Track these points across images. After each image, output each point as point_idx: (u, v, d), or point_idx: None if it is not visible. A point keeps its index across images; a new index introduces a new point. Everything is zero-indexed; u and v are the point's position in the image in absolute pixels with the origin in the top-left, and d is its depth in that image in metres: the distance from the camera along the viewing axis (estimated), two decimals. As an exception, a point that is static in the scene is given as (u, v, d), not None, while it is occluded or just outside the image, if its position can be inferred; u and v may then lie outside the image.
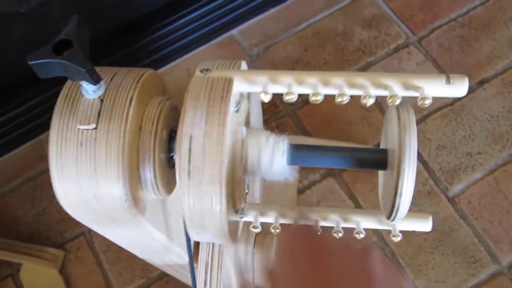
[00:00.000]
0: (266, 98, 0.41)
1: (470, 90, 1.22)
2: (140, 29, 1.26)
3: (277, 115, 1.22)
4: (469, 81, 1.17)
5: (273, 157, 0.42)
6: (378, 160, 0.42)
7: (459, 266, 1.09)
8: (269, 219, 0.45)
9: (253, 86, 0.42)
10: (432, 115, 1.20)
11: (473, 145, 1.17)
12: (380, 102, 1.21)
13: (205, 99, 0.39)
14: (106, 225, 0.46)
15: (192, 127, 0.38)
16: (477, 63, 1.25)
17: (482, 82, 1.22)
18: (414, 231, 0.47)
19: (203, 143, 0.38)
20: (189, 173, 0.38)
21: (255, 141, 0.43)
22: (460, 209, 1.12)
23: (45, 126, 1.26)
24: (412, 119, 0.40)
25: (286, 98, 0.41)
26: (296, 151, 0.43)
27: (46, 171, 1.22)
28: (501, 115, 1.19)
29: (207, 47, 1.30)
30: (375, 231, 1.12)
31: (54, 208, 1.19)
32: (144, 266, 1.13)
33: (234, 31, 1.32)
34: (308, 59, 1.28)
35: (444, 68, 1.25)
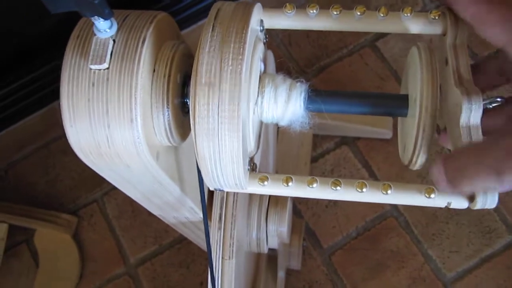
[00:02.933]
0: None
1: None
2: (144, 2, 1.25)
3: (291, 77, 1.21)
4: (488, 50, 1.14)
5: (290, 96, 0.41)
6: (399, 104, 0.41)
7: (473, 236, 1.08)
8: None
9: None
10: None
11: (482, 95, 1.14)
12: (396, 70, 1.19)
13: (224, 20, 0.38)
14: (120, 173, 0.45)
15: (209, 46, 0.37)
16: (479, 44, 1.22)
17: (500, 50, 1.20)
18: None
19: (220, 59, 0.37)
20: (205, 127, 0.37)
21: (272, 78, 0.41)
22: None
23: (57, 94, 1.25)
24: (434, 56, 0.39)
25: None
26: (314, 94, 0.41)
27: (58, 138, 1.23)
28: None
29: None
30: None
31: (67, 175, 1.19)
32: (156, 233, 1.13)
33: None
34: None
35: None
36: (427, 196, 0.39)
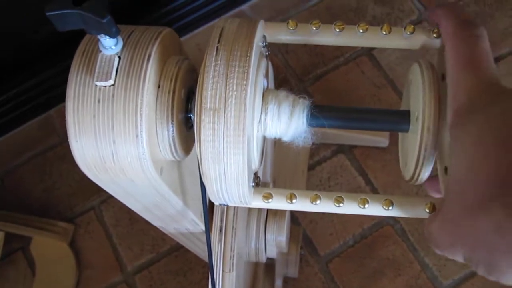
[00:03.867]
0: None
1: (484, 68, 1.20)
2: (150, 4, 1.25)
3: (293, 92, 1.21)
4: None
5: (293, 112, 0.41)
6: (401, 120, 0.42)
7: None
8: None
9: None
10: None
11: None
12: (393, 79, 1.20)
13: (227, 42, 0.39)
14: (123, 187, 0.45)
15: (214, 70, 0.38)
16: (491, 40, 1.22)
17: (496, 60, 1.21)
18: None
19: (225, 84, 0.37)
20: (210, 151, 0.38)
21: (275, 95, 0.42)
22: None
23: (54, 101, 1.26)
24: (435, 74, 0.39)
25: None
26: (316, 110, 0.42)
27: (55, 146, 1.23)
28: (515, 93, 1.17)
29: (218, 22, 1.29)
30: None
31: (64, 182, 1.19)
32: (153, 240, 1.13)
33: (244, 6, 1.30)
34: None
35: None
36: (428, 211, 0.40)
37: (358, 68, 1.22)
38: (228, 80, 0.37)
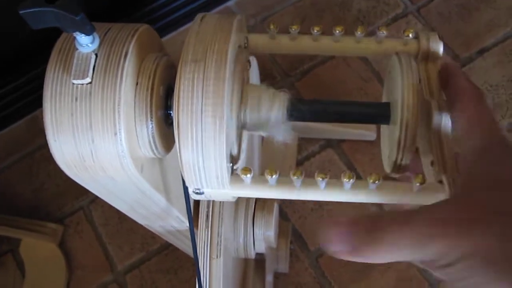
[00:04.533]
0: None
1: (470, 60, 1.21)
2: (136, 1, 1.25)
3: (275, 86, 1.21)
4: (469, 50, 1.16)
5: (273, 105, 0.41)
6: (382, 113, 0.42)
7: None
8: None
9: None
10: (431, 84, 1.19)
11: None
12: (379, 72, 1.20)
13: (207, 28, 0.39)
14: (105, 185, 0.45)
15: (193, 53, 0.38)
16: (477, 32, 1.23)
17: (481, 51, 1.21)
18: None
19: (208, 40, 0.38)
20: (188, 106, 0.37)
21: (255, 88, 0.42)
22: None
23: (40, 102, 1.24)
24: (415, 69, 0.40)
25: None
26: (297, 104, 0.42)
27: (42, 147, 1.22)
28: (500, 84, 1.18)
29: (203, 19, 1.29)
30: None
31: (52, 183, 1.18)
32: (143, 239, 1.13)
33: (230, 3, 1.30)
34: (305, 30, 1.26)
35: (443, 38, 1.23)
36: (419, 183, 0.39)
37: (345, 62, 1.22)
38: (210, 37, 0.38)
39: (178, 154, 0.39)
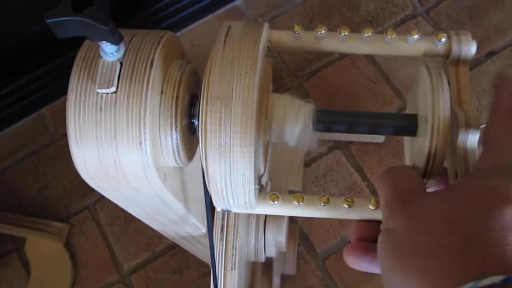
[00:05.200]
0: None
1: (479, 62, 1.20)
2: (144, 0, 1.24)
3: (283, 88, 1.20)
4: (478, 53, 1.15)
5: (298, 117, 0.40)
6: (409, 125, 0.41)
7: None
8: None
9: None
10: (440, 87, 1.18)
11: (481, 117, 1.15)
12: (388, 74, 1.19)
13: (235, 35, 0.38)
14: (125, 194, 0.44)
15: (221, 61, 0.37)
16: (485, 35, 1.23)
17: (490, 54, 1.21)
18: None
19: (233, 75, 0.37)
20: (215, 142, 0.37)
21: (280, 98, 0.41)
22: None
23: (47, 100, 1.24)
24: (445, 80, 0.39)
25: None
26: (323, 114, 0.41)
27: (48, 145, 1.21)
28: (509, 87, 1.18)
29: (211, 18, 1.28)
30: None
31: (58, 182, 1.17)
32: (149, 240, 1.12)
33: (238, 1, 1.29)
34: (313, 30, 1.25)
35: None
36: None
37: (353, 63, 1.21)
38: (236, 70, 0.37)
39: (207, 182, 0.39)
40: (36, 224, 1.12)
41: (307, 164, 1.14)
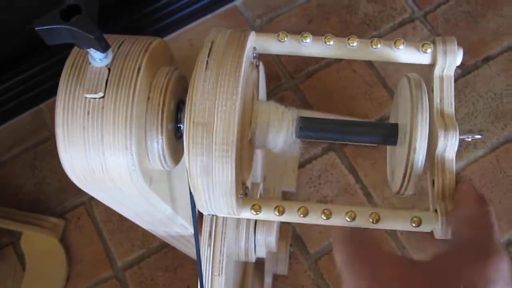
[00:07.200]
0: None
1: (475, 67, 1.21)
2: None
3: (280, 88, 1.21)
4: (474, 58, 1.16)
5: (282, 125, 0.41)
6: (389, 135, 0.42)
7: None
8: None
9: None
10: (435, 91, 1.19)
11: (475, 122, 1.16)
12: (384, 77, 1.20)
13: (218, 55, 0.39)
14: (112, 195, 0.45)
15: (203, 85, 0.38)
16: (482, 40, 1.23)
17: (487, 59, 1.21)
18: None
19: (215, 99, 0.37)
20: (199, 165, 0.38)
21: (264, 106, 0.42)
22: (460, 186, 1.12)
23: (45, 95, 1.25)
24: (424, 94, 0.40)
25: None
26: (305, 122, 0.42)
27: (46, 140, 1.22)
28: (505, 93, 1.18)
29: (210, 18, 1.29)
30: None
31: (55, 177, 1.19)
32: (144, 237, 1.13)
33: (237, 2, 1.30)
34: (312, 31, 1.25)
35: (449, 44, 1.23)
36: (415, 225, 0.40)
37: (350, 66, 1.22)
38: (217, 95, 0.37)
39: (192, 193, 0.40)
40: (32, 218, 1.13)
41: (301, 165, 1.15)
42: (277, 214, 0.41)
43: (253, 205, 0.42)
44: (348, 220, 0.40)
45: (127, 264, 1.12)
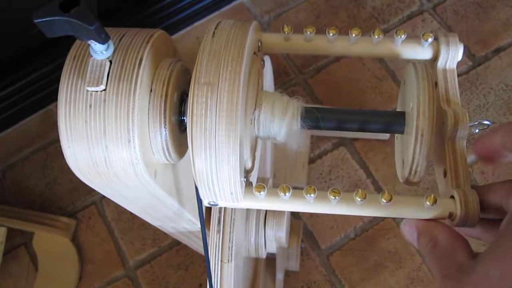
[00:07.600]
0: None
1: (486, 59, 1.19)
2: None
3: (289, 83, 1.21)
4: (485, 49, 1.15)
5: (286, 113, 0.41)
6: (396, 122, 0.41)
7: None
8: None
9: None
10: (446, 83, 1.17)
11: (487, 114, 1.15)
12: (394, 71, 1.19)
13: (219, 45, 0.38)
14: (118, 190, 0.45)
15: (210, 49, 0.38)
16: (493, 31, 1.22)
17: (498, 51, 1.20)
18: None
19: (220, 60, 0.37)
20: (201, 127, 0.37)
21: (269, 95, 0.41)
22: (473, 179, 1.10)
23: (54, 96, 1.24)
24: (430, 76, 0.39)
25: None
26: (310, 112, 0.41)
27: (56, 140, 1.22)
28: (517, 84, 1.17)
29: (218, 15, 1.28)
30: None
31: (66, 177, 1.19)
32: (155, 235, 1.13)
33: (244, -1, 1.29)
34: (320, 26, 1.25)
35: (459, 36, 1.22)
36: (429, 204, 0.38)
37: (359, 60, 1.21)
38: (223, 57, 0.38)
39: (193, 171, 0.39)
40: (44, 219, 1.14)
41: (311, 161, 1.15)
42: (282, 194, 0.40)
43: (257, 186, 0.40)
44: (359, 199, 0.39)
45: (139, 262, 1.12)
